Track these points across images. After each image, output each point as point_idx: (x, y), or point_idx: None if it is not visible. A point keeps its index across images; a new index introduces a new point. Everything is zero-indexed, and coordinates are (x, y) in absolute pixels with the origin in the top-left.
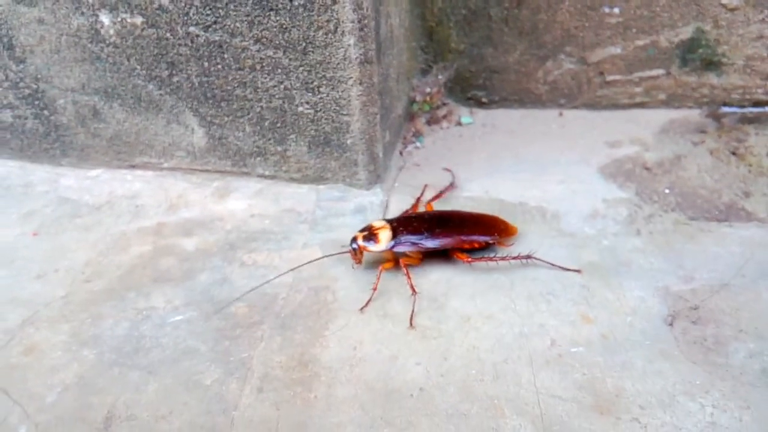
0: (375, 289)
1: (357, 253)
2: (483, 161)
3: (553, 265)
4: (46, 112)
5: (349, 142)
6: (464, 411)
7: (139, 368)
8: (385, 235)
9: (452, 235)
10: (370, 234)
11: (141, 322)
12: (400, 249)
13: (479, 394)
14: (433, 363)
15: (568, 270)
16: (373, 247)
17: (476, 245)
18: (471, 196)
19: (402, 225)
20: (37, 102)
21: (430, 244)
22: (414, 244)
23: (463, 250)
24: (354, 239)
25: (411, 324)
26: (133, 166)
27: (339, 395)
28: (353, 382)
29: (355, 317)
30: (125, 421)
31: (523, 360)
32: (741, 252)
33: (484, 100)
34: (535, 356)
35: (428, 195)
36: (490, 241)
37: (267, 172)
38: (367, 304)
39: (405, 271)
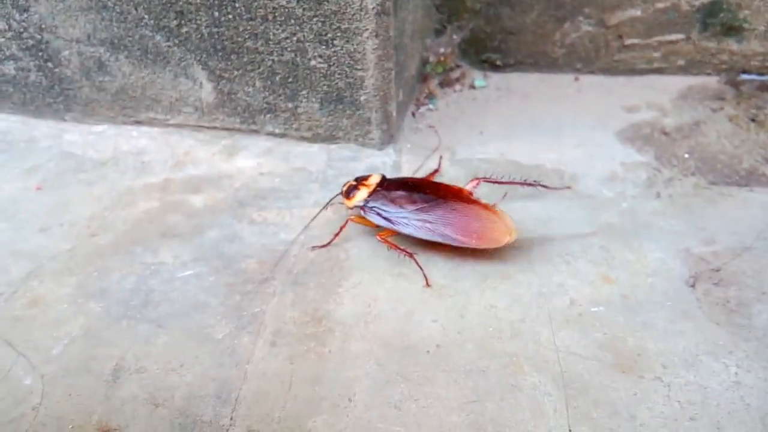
0: (337, 235)
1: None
2: (498, 124)
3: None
4: (50, 64)
5: (362, 98)
6: (483, 367)
7: (147, 321)
8: (362, 194)
9: (431, 226)
10: (357, 185)
11: (149, 276)
12: (369, 216)
13: (497, 351)
14: (450, 320)
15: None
16: (347, 201)
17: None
18: (486, 158)
19: (387, 190)
20: (40, 53)
21: (402, 229)
22: (385, 219)
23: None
24: (344, 184)
25: (427, 284)
26: (138, 122)
27: (354, 350)
28: (368, 338)
29: (368, 275)
30: (135, 373)
31: (542, 318)
32: (762, 216)
33: (498, 63)
34: (555, 315)
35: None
36: (471, 246)
37: (277, 130)
38: (326, 245)
39: (383, 241)
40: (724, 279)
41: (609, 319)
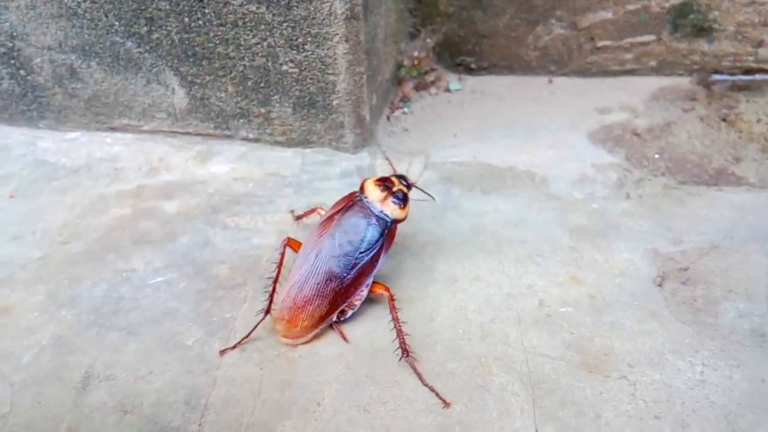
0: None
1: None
2: (472, 127)
3: None
4: (22, 72)
5: (335, 103)
6: (451, 369)
7: (118, 329)
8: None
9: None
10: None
11: (120, 283)
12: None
13: (466, 353)
14: (420, 323)
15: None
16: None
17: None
18: (459, 161)
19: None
20: (12, 61)
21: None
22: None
23: None
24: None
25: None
26: (112, 129)
27: (324, 354)
28: (338, 342)
29: None
30: (104, 380)
31: (511, 320)
32: (731, 215)
33: (473, 66)
34: (523, 316)
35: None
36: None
37: (251, 135)
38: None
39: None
40: (691, 278)
41: (577, 320)
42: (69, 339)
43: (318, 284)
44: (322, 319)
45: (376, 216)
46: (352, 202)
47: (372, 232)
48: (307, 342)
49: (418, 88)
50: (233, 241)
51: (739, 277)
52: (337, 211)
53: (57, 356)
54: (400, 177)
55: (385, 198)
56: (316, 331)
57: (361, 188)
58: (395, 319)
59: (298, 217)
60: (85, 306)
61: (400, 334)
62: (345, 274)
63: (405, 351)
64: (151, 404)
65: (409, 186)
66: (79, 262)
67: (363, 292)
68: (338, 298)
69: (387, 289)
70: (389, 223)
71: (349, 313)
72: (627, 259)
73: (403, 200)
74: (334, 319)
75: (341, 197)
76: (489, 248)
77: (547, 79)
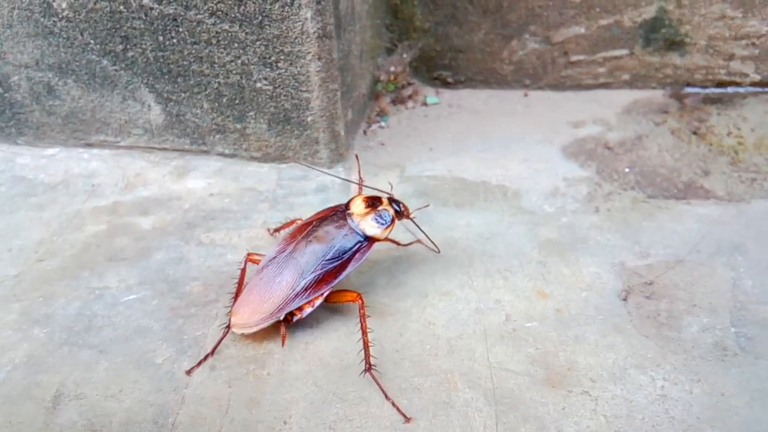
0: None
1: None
2: (448, 141)
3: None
4: (0, 89)
5: (309, 119)
6: (417, 385)
7: (90, 347)
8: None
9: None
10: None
11: (93, 301)
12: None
13: (433, 369)
14: (389, 339)
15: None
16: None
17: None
18: (434, 175)
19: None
20: None
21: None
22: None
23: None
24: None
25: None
26: (89, 145)
27: (293, 372)
28: (307, 359)
29: None
30: (74, 399)
31: (478, 335)
32: (698, 228)
33: (449, 80)
34: (490, 331)
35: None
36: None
37: (227, 151)
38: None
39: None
40: (656, 292)
41: (542, 334)
42: (41, 357)
43: (276, 280)
44: (271, 314)
45: (351, 228)
46: (334, 212)
47: (342, 243)
48: (252, 334)
49: (395, 102)
50: (207, 257)
51: (704, 291)
52: (317, 218)
53: (29, 375)
54: (395, 201)
55: (367, 214)
56: (263, 325)
57: (349, 202)
58: (363, 330)
59: (276, 230)
60: (59, 324)
61: (366, 346)
62: (304, 277)
63: (368, 364)
64: (119, 423)
65: (401, 213)
66: (54, 279)
67: (316, 300)
68: (291, 298)
69: (359, 297)
70: (363, 239)
71: (297, 317)
72: (594, 273)
73: (386, 221)
74: (281, 318)
75: (325, 208)
76: (460, 262)
77: (523, 93)
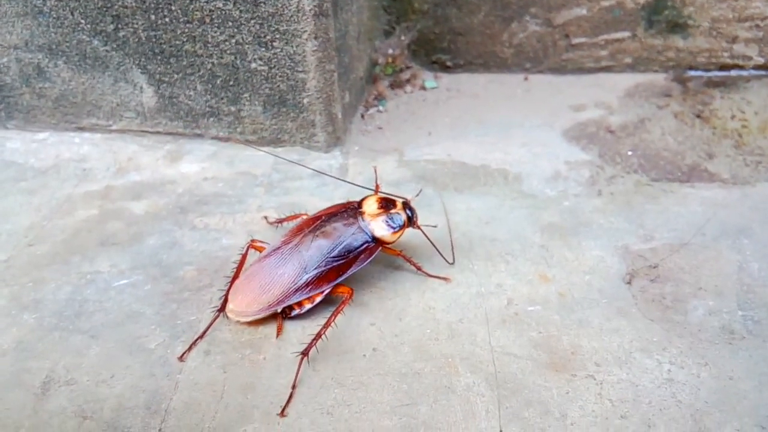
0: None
1: None
2: (446, 125)
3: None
4: None
5: (305, 101)
6: (417, 370)
7: (80, 332)
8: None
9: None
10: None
11: (84, 286)
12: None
13: (434, 353)
14: (388, 323)
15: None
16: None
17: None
18: (433, 159)
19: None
20: None
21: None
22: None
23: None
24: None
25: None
26: (80, 129)
27: (289, 357)
28: (304, 344)
29: None
30: (64, 385)
31: (479, 319)
32: (702, 212)
33: (448, 63)
34: (492, 315)
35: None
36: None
37: (221, 134)
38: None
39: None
40: (661, 275)
41: (545, 318)
42: (31, 343)
43: (278, 272)
44: (269, 306)
45: (360, 227)
46: (345, 208)
47: (349, 241)
48: (248, 323)
49: (394, 86)
50: (201, 242)
51: (709, 274)
52: (327, 213)
53: (18, 361)
54: (410, 207)
55: (378, 215)
56: (259, 315)
57: (362, 200)
58: (329, 322)
59: (278, 221)
60: (49, 309)
61: (319, 336)
62: (307, 272)
63: (307, 351)
64: (111, 409)
65: (413, 222)
66: (43, 264)
67: (317, 297)
68: (291, 292)
69: (350, 292)
70: (370, 240)
71: (296, 311)
72: (597, 257)
73: (396, 224)
74: (279, 310)
75: (337, 204)
76: (460, 246)
77: (523, 77)
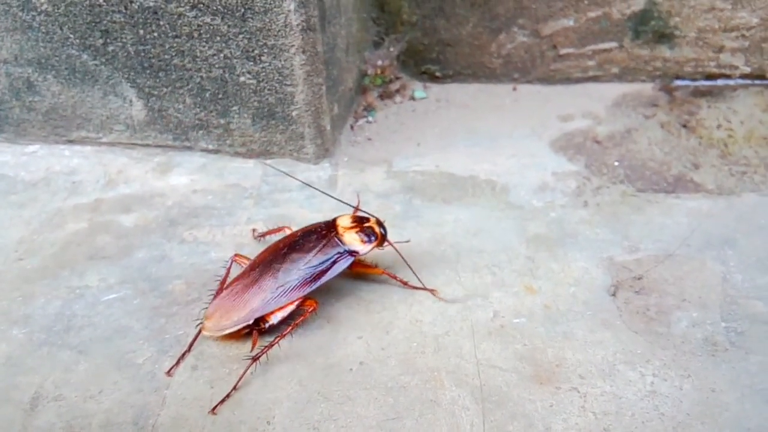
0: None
1: None
2: (436, 136)
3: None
4: None
5: (294, 114)
6: (404, 383)
7: (69, 347)
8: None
9: None
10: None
11: (73, 300)
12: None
13: (420, 367)
14: (375, 337)
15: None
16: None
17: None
18: (422, 170)
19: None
20: None
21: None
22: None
23: None
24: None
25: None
26: (70, 141)
27: (276, 371)
28: (292, 358)
29: None
30: (52, 401)
31: (465, 332)
32: (687, 222)
33: (437, 74)
34: (478, 327)
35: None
36: None
37: (210, 146)
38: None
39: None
40: (645, 287)
41: (530, 330)
42: (20, 359)
43: (252, 288)
44: (241, 319)
45: (333, 240)
46: (320, 225)
47: (321, 252)
48: (235, 333)
49: (383, 97)
50: (190, 255)
51: (694, 285)
52: (303, 230)
53: (7, 376)
54: (382, 226)
55: (351, 229)
56: (233, 329)
57: (337, 217)
58: (287, 332)
59: (261, 235)
60: (38, 324)
61: (273, 344)
62: (279, 283)
63: (258, 357)
64: (99, 425)
65: (384, 238)
66: (33, 278)
67: (287, 308)
68: (265, 303)
69: (314, 304)
70: (342, 251)
71: (269, 323)
72: (582, 268)
73: (369, 238)
74: (250, 322)
75: (314, 223)
76: (448, 258)
77: (512, 87)
